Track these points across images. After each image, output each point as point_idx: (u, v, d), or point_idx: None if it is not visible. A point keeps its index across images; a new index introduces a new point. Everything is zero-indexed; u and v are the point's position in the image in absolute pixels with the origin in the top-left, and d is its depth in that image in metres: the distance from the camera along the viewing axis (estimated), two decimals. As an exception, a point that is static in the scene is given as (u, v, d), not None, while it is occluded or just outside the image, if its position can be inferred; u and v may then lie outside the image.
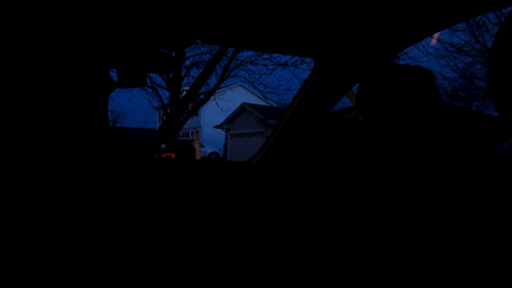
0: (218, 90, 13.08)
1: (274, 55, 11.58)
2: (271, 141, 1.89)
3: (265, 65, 11.93)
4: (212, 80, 12.95)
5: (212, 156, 21.79)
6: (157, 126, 28.38)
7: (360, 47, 1.45)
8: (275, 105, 18.06)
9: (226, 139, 23.00)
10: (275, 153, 1.88)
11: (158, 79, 12.50)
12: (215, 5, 1.09)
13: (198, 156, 9.51)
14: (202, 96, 13.25)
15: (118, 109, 19.53)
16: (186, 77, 12.66)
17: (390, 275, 0.68)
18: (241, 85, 21.69)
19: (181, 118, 12.65)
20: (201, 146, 21.68)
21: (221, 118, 21.87)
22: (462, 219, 0.64)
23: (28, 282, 0.46)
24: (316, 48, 1.51)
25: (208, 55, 12.35)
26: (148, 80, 11.51)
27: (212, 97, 12.95)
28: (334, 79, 1.64)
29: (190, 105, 18.31)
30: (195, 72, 12.57)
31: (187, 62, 12.57)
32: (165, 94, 12.77)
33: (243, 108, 21.30)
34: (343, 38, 1.38)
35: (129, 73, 1.21)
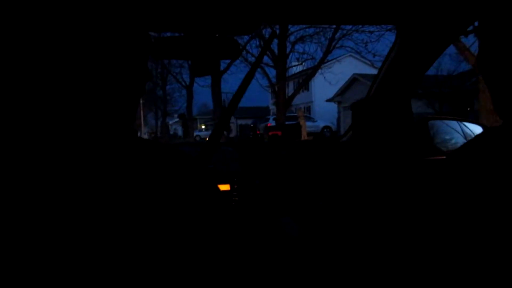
0: (324, 64, 12.75)
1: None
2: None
3: (370, 32, 11.15)
4: (318, 54, 12.66)
5: (325, 130, 21.54)
6: (270, 103, 29.03)
7: (444, 10, 1.30)
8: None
9: (339, 112, 22.52)
10: (364, 128, 1.80)
11: (264, 58, 12.72)
12: None
13: (304, 133, 9.47)
14: (309, 71, 13.08)
15: (230, 91, 20.43)
16: (292, 53, 12.60)
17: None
18: (351, 55, 20.93)
19: (289, 94, 12.73)
20: (313, 120, 21.53)
21: (332, 91, 21.44)
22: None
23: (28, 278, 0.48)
24: (397, 14, 1.39)
25: (313, 29, 12.08)
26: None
27: (320, 71, 12.70)
28: (419, 46, 1.50)
29: (298, 80, 18.10)
30: (300, 47, 12.47)
31: (292, 38, 12.48)
32: (272, 73, 12.94)
33: (355, 79, 20.57)
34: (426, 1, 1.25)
35: (202, 62, 1.27)
